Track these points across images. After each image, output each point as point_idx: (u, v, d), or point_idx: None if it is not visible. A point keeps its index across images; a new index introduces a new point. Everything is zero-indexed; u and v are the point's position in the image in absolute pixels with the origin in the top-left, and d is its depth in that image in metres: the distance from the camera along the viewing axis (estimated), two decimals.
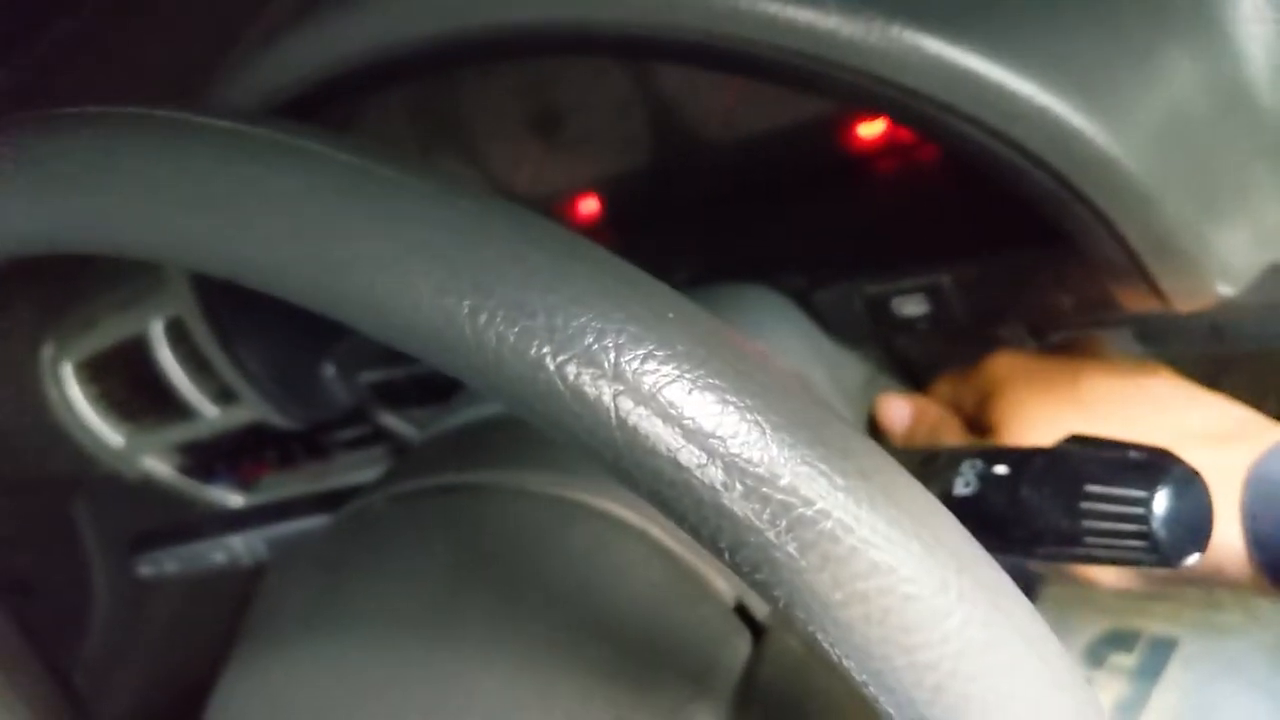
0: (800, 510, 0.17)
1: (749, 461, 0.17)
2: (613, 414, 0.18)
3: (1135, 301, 0.33)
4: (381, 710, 0.30)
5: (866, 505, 0.18)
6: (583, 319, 0.18)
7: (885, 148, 0.46)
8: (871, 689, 0.19)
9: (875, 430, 0.44)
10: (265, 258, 0.19)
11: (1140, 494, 0.27)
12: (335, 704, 0.32)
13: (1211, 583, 0.36)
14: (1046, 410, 0.39)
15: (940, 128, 0.30)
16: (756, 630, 0.30)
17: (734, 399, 0.18)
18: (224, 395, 0.67)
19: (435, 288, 0.18)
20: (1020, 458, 0.30)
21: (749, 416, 0.18)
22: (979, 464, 0.31)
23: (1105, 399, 0.40)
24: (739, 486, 0.18)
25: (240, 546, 0.47)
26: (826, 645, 0.18)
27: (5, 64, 0.57)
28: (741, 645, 0.29)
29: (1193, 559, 0.27)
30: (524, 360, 0.18)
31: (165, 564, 0.47)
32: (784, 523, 0.17)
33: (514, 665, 0.29)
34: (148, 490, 0.87)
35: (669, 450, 0.18)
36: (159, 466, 0.76)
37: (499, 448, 0.39)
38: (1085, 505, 0.28)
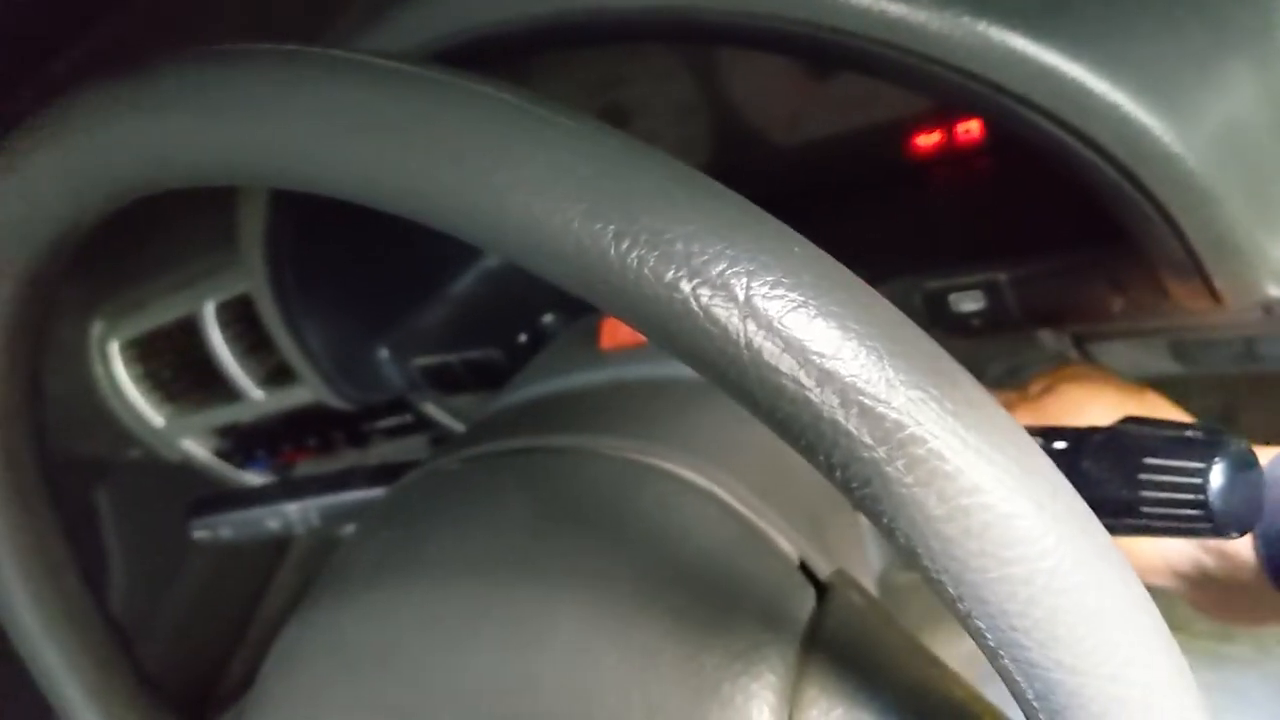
0: (911, 429, 0.19)
1: (866, 382, 0.19)
2: (741, 335, 0.19)
3: (1188, 299, 0.35)
4: (455, 649, 0.32)
5: (973, 429, 0.19)
6: (717, 247, 0.19)
7: (941, 157, 0.48)
8: (965, 603, 0.20)
9: None
10: (432, 183, 0.21)
11: (1198, 465, 0.28)
12: (406, 644, 0.33)
13: (1226, 583, 0.38)
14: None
15: (1018, 120, 0.32)
16: (819, 588, 0.31)
17: (854, 325, 0.19)
18: (271, 378, 0.69)
19: (585, 212, 0.20)
20: (1079, 434, 0.32)
21: (867, 343, 0.19)
22: (1039, 439, 0.32)
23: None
24: (855, 406, 0.19)
25: (295, 514, 0.48)
26: (926, 559, 0.20)
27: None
28: (807, 599, 0.30)
29: (1244, 531, 0.29)
30: (661, 283, 0.19)
31: (220, 529, 0.49)
32: (894, 441, 0.19)
33: (591, 608, 0.30)
34: (170, 482, 0.88)
35: (791, 370, 0.19)
36: (197, 449, 0.78)
37: (570, 416, 0.40)
38: (1144, 477, 0.29)
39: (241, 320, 0.68)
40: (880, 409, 0.19)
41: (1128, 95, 0.31)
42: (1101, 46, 0.31)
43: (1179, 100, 0.31)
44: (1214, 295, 0.34)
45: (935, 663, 0.29)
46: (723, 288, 0.19)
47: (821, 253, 0.21)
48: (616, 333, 0.45)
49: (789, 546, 0.32)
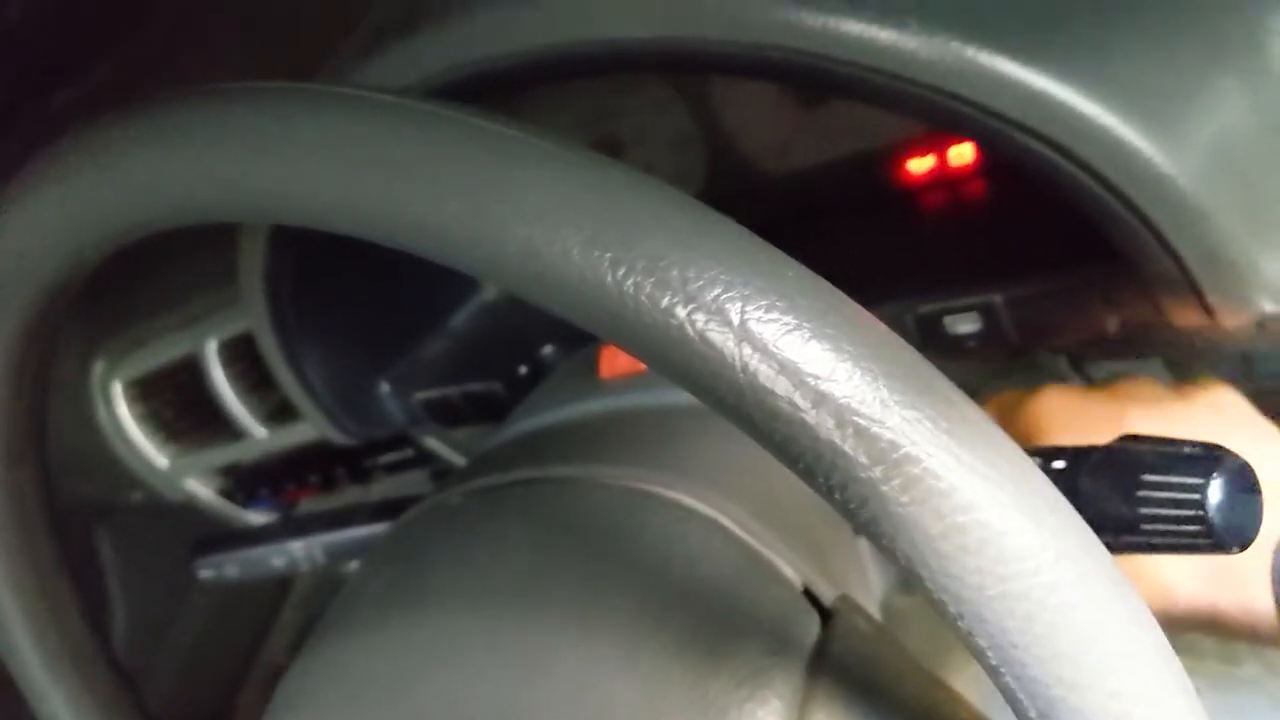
0: (906, 449, 0.19)
1: (860, 403, 0.19)
2: (737, 359, 0.19)
3: (1182, 316, 0.35)
4: (459, 681, 0.32)
5: (967, 447, 0.19)
6: (713, 273, 0.20)
7: (934, 181, 0.49)
8: (966, 621, 0.20)
9: None
10: (431, 216, 0.21)
11: (1197, 481, 0.28)
12: (414, 677, 0.33)
13: (1246, 638, 0.38)
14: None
15: (1010, 144, 0.32)
16: (824, 613, 0.31)
17: (848, 347, 0.20)
18: (273, 416, 0.69)
19: (584, 241, 0.20)
20: (1077, 452, 0.32)
21: (861, 364, 0.19)
22: (1037, 460, 0.32)
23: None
24: (850, 427, 0.19)
25: (300, 552, 0.48)
26: (927, 578, 0.20)
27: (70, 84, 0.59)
28: (811, 624, 0.30)
29: (1244, 546, 0.29)
30: (658, 309, 0.20)
31: (225, 568, 0.49)
32: (890, 460, 0.19)
33: (596, 636, 0.30)
34: (171, 523, 0.88)
35: (787, 392, 0.19)
36: (201, 489, 0.78)
37: (570, 446, 0.41)
38: (1143, 494, 0.29)
39: (243, 359, 0.69)
40: (875, 429, 0.19)
41: (1117, 117, 0.31)
42: (1091, 68, 0.31)
43: (1169, 120, 0.32)
44: (1208, 312, 0.34)
45: (940, 686, 0.29)
46: (718, 313, 0.19)
47: (815, 276, 0.21)
48: (615, 362, 0.45)
49: (792, 573, 0.32)
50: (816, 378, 0.19)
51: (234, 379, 0.68)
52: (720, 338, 0.19)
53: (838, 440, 0.19)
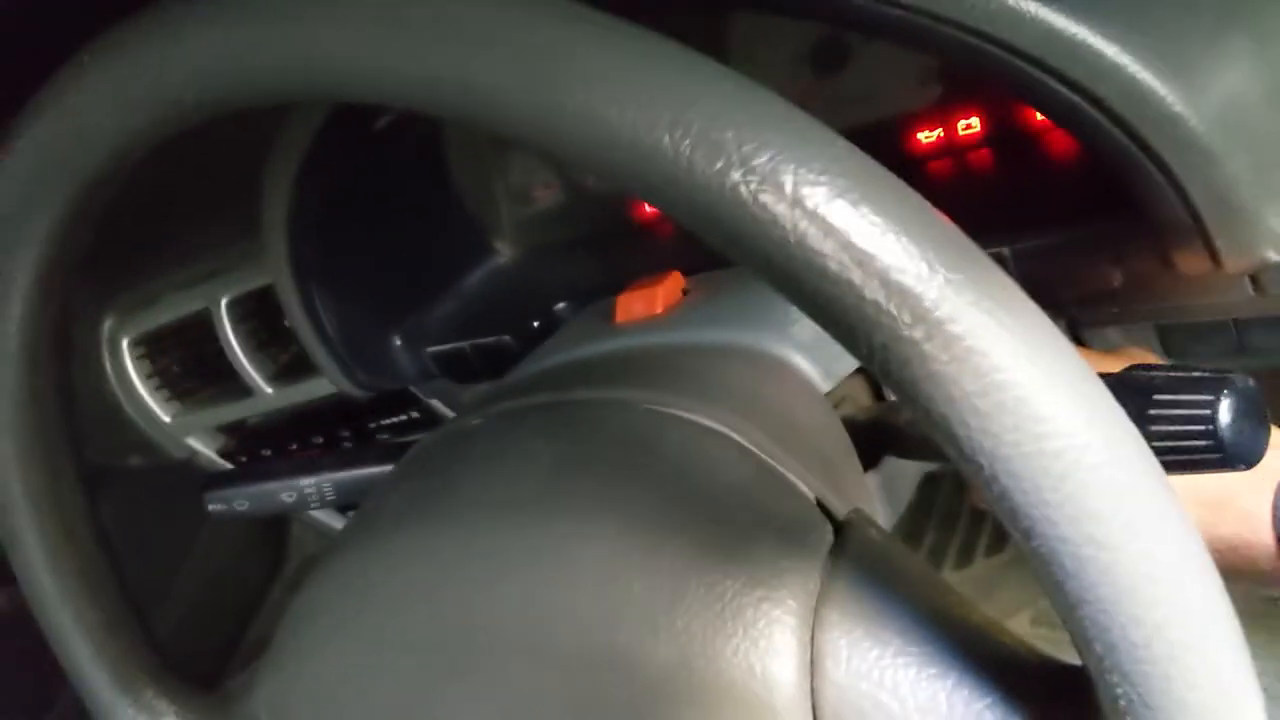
0: (948, 309, 0.20)
1: (906, 265, 0.20)
2: (788, 220, 0.20)
3: (1189, 263, 0.37)
4: (482, 585, 0.32)
5: (1005, 310, 0.20)
6: (766, 136, 0.21)
7: (942, 151, 0.50)
8: (1000, 481, 0.21)
9: None
10: (491, 82, 0.22)
11: (1208, 398, 0.29)
12: (433, 583, 0.33)
13: (1247, 573, 0.39)
14: None
15: (1030, 82, 0.33)
16: (836, 526, 0.32)
17: (895, 212, 0.21)
18: (280, 375, 0.70)
19: (642, 103, 0.21)
20: None
21: (907, 229, 0.20)
22: None
23: None
24: (895, 287, 0.20)
25: (309, 489, 0.49)
26: (963, 438, 0.21)
27: None
28: (825, 533, 0.31)
29: (1251, 464, 0.30)
30: (712, 169, 0.21)
31: (235, 502, 0.49)
32: (932, 320, 0.20)
33: (617, 539, 0.31)
34: (162, 498, 0.88)
35: (836, 254, 0.20)
36: (203, 447, 0.78)
37: (590, 376, 0.42)
38: (1154, 412, 0.30)
39: (253, 316, 0.69)
40: (920, 289, 0.20)
41: (1136, 58, 0.32)
42: (1112, 11, 0.33)
43: (1185, 66, 0.33)
44: (1214, 257, 0.35)
45: (953, 591, 0.30)
46: (772, 175, 0.20)
47: (862, 152, 0.22)
48: (631, 308, 0.46)
49: (805, 488, 0.33)
50: (865, 239, 0.20)
51: (243, 337, 0.69)
52: (773, 199, 0.20)
53: (882, 300, 0.20)
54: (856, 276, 0.20)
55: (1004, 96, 0.49)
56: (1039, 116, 0.48)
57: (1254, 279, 0.38)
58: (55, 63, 0.29)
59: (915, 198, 0.21)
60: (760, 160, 0.21)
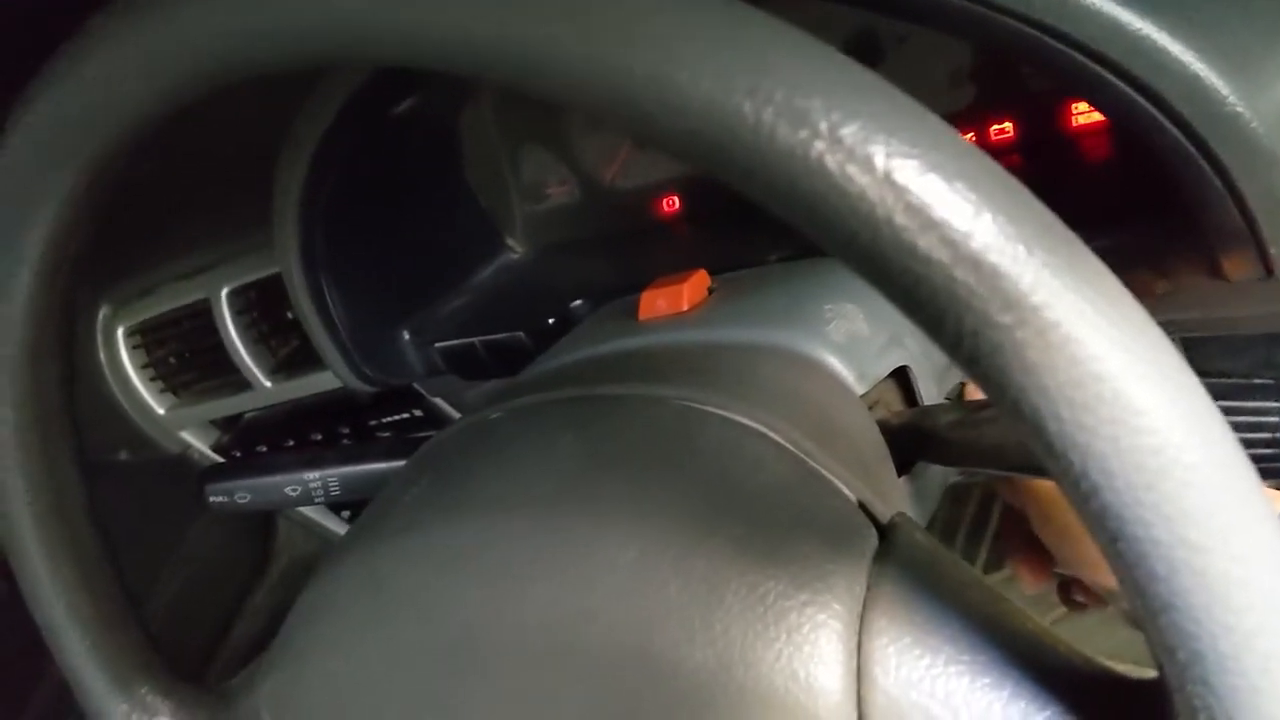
0: (1044, 295, 0.19)
1: (1001, 249, 0.19)
2: (876, 194, 0.19)
3: (1239, 270, 0.36)
4: (505, 586, 0.31)
5: (1103, 298, 0.19)
6: (854, 105, 0.20)
7: None
8: (1091, 477, 0.20)
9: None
10: (556, 46, 0.21)
11: (1273, 405, 0.29)
12: (450, 583, 0.32)
13: None
14: None
15: (1089, 77, 0.32)
16: (880, 529, 0.31)
17: (989, 192, 0.19)
18: (278, 369, 0.68)
19: (720, 65, 0.20)
20: None
21: (1002, 210, 0.19)
22: None
23: None
24: (988, 270, 0.19)
25: (314, 483, 0.47)
26: (1054, 430, 0.19)
27: None
28: (869, 535, 0.30)
29: None
30: (796, 138, 0.19)
31: (236, 495, 0.48)
32: (1028, 306, 0.19)
33: (650, 537, 0.30)
34: (145, 499, 0.87)
35: (927, 234, 0.19)
36: (197, 441, 0.77)
37: (616, 371, 0.40)
38: None
39: (252, 308, 0.68)
40: (1015, 273, 0.19)
41: (1197, 55, 0.32)
42: (1174, 10, 0.32)
43: (1246, 67, 0.32)
44: (1266, 265, 0.35)
45: (1003, 599, 0.29)
46: (862, 146, 0.19)
47: (953, 128, 0.21)
48: (655, 304, 0.45)
49: (847, 490, 0.32)
50: (960, 217, 0.19)
51: (243, 328, 0.67)
52: (861, 172, 0.19)
53: (974, 283, 0.19)
54: (948, 256, 0.19)
55: (1038, 101, 0.48)
56: (1074, 122, 0.47)
57: None
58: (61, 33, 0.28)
59: (1010, 178, 0.20)
60: (849, 130, 0.19)
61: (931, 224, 0.19)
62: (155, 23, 0.26)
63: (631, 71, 0.20)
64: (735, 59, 0.20)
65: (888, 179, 0.19)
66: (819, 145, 0.19)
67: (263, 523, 1.08)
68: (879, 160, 0.19)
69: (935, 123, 0.20)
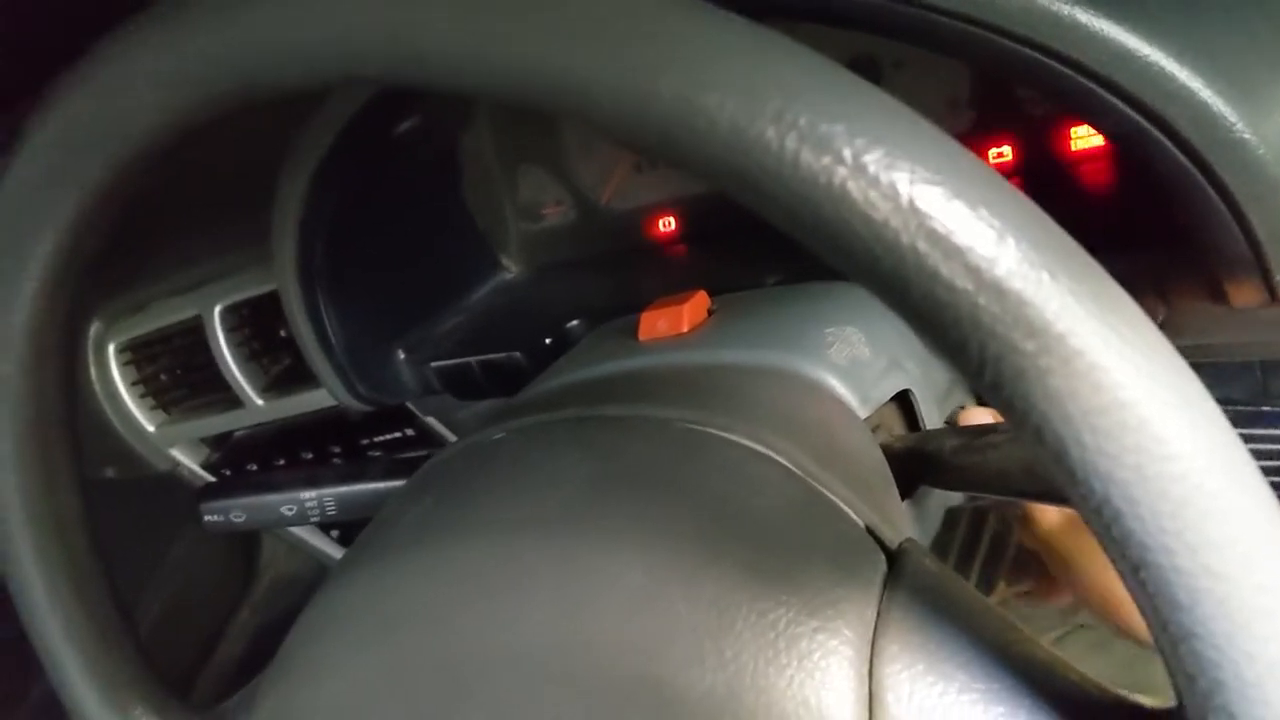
0: (1068, 323, 0.19)
1: (1025, 277, 0.19)
2: (900, 222, 0.19)
3: (1242, 296, 0.36)
4: (508, 606, 0.30)
5: (1127, 327, 0.19)
6: (878, 132, 0.20)
7: None
8: (1114, 504, 0.19)
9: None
10: (581, 69, 0.21)
11: None
12: (453, 603, 0.31)
13: None
14: None
15: (1096, 103, 0.32)
16: (889, 554, 0.31)
17: (1014, 220, 0.19)
18: (270, 387, 0.68)
19: (744, 90, 0.20)
20: None
21: (1026, 237, 0.19)
22: None
23: None
24: (1013, 298, 0.19)
25: (310, 503, 0.47)
26: (1077, 458, 0.19)
27: None
28: (879, 561, 0.30)
29: None
30: (819, 164, 0.19)
31: (232, 513, 0.47)
32: (1052, 334, 0.19)
33: (656, 560, 0.29)
34: (131, 518, 0.86)
35: (951, 262, 0.19)
36: (186, 459, 0.76)
37: (619, 391, 0.40)
38: None
39: (244, 326, 0.68)
40: (1040, 301, 0.19)
41: (1205, 82, 0.32)
42: (1180, 32, 0.32)
43: (1253, 93, 0.32)
44: (1271, 291, 0.35)
45: (1014, 627, 0.29)
46: (886, 172, 0.19)
47: (975, 155, 0.21)
48: (655, 325, 0.45)
49: (854, 515, 0.32)
50: (984, 244, 0.19)
51: (235, 346, 0.67)
52: (886, 199, 0.19)
53: (999, 310, 0.19)
54: (971, 283, 0.19)
55: (1036, 125, 0.48)
56: (1073, 146, 0.47)
57: None
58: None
59: (1032, 204, 0.20)
60: (872, 156, 0.19)
61: (955, 251, 0.19)
62: (167, 45, 0.25)
63: (658, 95, 0.20)
64: (760, 84, 0.20)
65: (911, 206, 0.19)
66: (842, 171, 0.19)
67: (247, 540, 1.07)
68: (903, 187, 0.19)
69: (957, 149, 0.20)
